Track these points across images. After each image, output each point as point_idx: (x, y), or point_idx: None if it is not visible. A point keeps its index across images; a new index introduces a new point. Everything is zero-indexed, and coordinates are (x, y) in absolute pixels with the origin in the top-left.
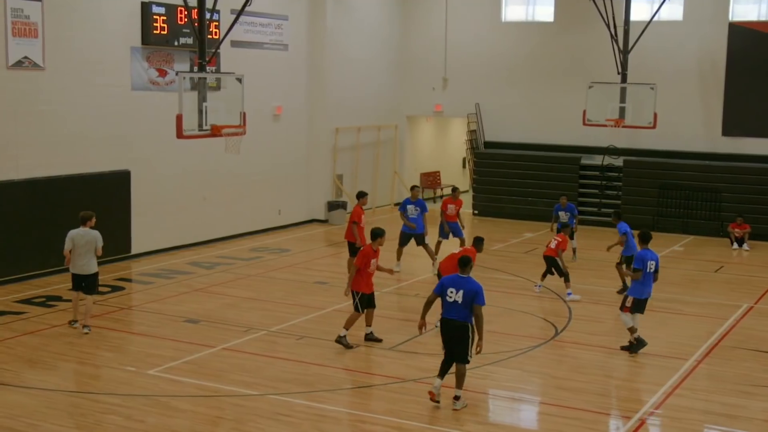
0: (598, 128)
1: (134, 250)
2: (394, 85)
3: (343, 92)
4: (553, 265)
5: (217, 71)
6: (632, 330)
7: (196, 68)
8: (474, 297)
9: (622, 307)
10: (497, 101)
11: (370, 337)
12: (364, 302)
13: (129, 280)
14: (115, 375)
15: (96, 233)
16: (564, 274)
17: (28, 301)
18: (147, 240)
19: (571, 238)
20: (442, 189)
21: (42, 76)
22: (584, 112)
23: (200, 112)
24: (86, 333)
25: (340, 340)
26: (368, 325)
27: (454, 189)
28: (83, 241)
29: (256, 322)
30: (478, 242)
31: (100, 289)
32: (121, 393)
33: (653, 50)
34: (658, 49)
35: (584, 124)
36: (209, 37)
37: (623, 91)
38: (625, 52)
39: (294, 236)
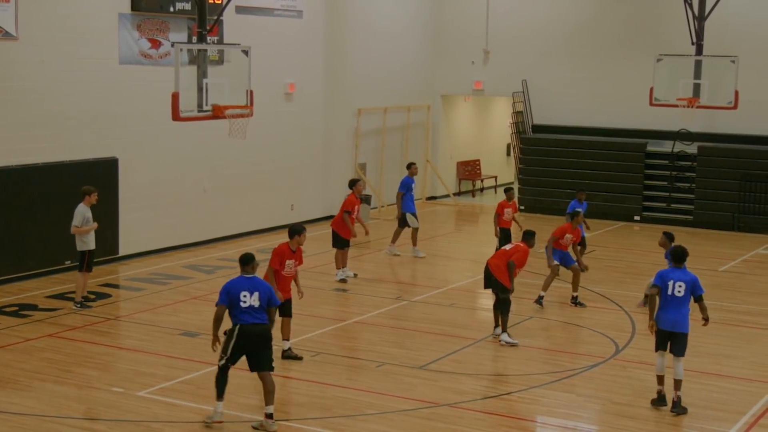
0: (667, 109)
1: (123, 251)
2: (427, 58)
3: (367, 67)
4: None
5: (220, 42)
6: (658, 380)
7: (194, 38)
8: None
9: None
10: (548, 77)
11: (287, 355)
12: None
13: (116, 286)
14: (100, 397)
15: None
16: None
17: None
18: (137, 239)
19: (582, 246)
20: (482, 181)
21: (15, 47)
22: (651, 90)
23: (200, 90)
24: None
25: (287, 354)
26: (285, 338)
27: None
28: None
29: None
30: (529, 237)
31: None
32: (106, 418)
33: (734, 16)
34: (740, 15)
35: (651, 104)
36: (210, 1)
37: (698, 65)
38: (700, 18)
39: (309, 235)
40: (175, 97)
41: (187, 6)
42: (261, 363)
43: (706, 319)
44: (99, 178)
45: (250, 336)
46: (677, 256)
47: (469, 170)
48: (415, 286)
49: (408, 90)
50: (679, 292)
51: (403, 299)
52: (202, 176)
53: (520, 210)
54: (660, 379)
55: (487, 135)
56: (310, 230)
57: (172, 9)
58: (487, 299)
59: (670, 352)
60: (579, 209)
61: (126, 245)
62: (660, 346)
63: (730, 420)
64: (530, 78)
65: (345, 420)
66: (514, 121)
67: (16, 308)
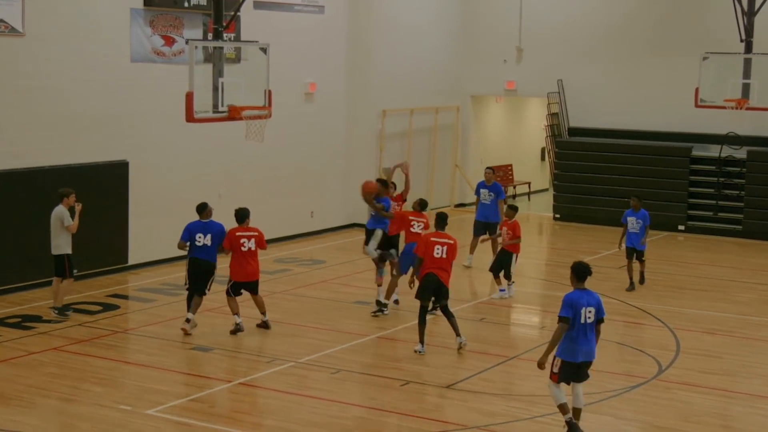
0: (714, 111)
1: (132, 260)
2: (456, 56)
3: (392, 65)
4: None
5: (237, 39)
6: (563, 409)
7: (210, 35)
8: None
9: (550, 373)
10: (585, 77)
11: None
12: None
13: (125, 297)
14: (107, 415)
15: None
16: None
17: (0, 322)
18: (148, 247)
19: (641, 259)
20: (515, 188)
21: (21, 43)
22: (696, 90)
23: (215, 89)
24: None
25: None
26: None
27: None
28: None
29: (282, 351)
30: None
31: (89, 307)
32: None
33: None
34: None
35: (696, 105)
36: None
37: (747, 63)
38: (750, 13)
39: (330, 244)
40: (189, 97)
41: (203, 1)
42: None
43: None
44: (108, 181)
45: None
46: (581, 274)
47: (500, 176)
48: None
49: (436, 90)
50: (589, 318)
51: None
52: (217, 181)
53: (555, 219)
54: (565, 408)
55: (519, 138)
56: (331, 239)
57: (186, 4)
58: (520, 314)
59: (573, 380)
60: (633, 217)
61: (136, 253)
62: (571, 378)
63: None
64: (566, 77)
65: None
66: (548, 124)
67: (19, 319)
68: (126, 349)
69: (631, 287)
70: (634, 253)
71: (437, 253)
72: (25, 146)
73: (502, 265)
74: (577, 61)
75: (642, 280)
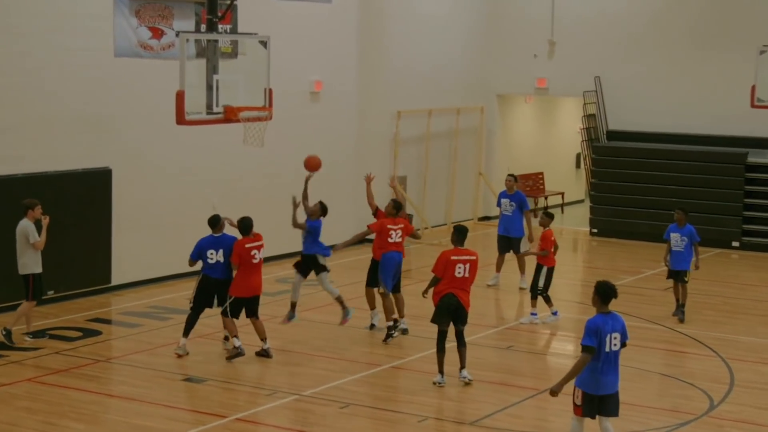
0: None
1: (115, 280)
2: (480, 51)
3: (409, 61)
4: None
5: (234, 31)
6: None
7: (203, 27)
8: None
9: (573, 406)
10: (626, 74)
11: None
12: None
13: (107, 322)
14: None
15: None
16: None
17: None
18: (133, 266)
19: (682, 281)
20: (546, 198)
21: None
22: (752, 88)
23: (209, 88)
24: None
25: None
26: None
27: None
28: None
29: (284, 382)
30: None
31: (67, 333)
32: None
33: None
34: None
35: (752, 106)
36: None
37: None
38: None
39: (338, 262)
40: (179, 96)
41: None
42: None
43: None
44: (89, 192)
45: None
46: (606, 296)
47: (530, 185)
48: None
49: (457, 89)
50: (615, 345)
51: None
52: (211, 191)
53: (592, 234)
54: None
55: (552, 143)
56: (340, 256)
57: None
58: (552, 341)
59: (601, 414)
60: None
61: (120, 273)
62: (595, 412)
63: None
64: (604, 75)
65: None
66: (584, 127)
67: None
68: (109, 381)
69: (678, 311)
70: (677, 274)
71: (459, 272)
72: None
73: (534, 282)
74: (617, 55)
75: (681, 313)
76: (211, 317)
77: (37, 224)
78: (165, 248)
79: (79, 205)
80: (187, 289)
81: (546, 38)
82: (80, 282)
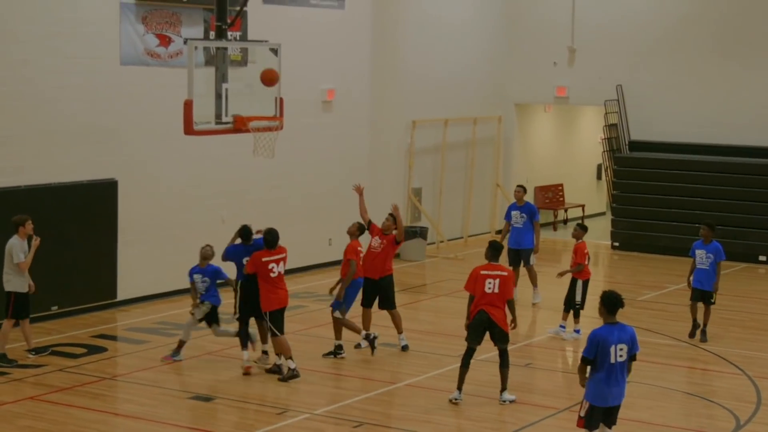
0: None
1: (121, 295)
2: (498, 58)
3: (424, 69)
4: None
5: (243, 39)
6: None
7: (212, 34)
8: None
9: (577, 418)
10: (649, 82)
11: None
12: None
13: (113, 338)
14: None
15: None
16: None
17: None
18: (140, 280)
19: (708, 302)
20: (566, 211)
21: None
22: None
23: (218, 97)
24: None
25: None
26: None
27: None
28: None
29: (295, 400)
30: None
31: (71, 350)
32: None
33: None
34: None
35: None
36: None
37: None
38: None
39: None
40: (188, 105)
41: None
42: None
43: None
44: (94, 204)
45: None
46: (612, 306)
47: (549, 197)
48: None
49: (474, 98)
50: (621, 356)
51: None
52: (220, 203)
53: (614, 247)
54: None
55: (572, 153)
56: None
57: None
58: (572, 359)
59: (604, 424)
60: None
61: (125, 288)
62: (595, 425)
63: None
64: (627, 83)
65: None
66: (606, 137)
67: None
68: (114, 399)
69: (694, 332)
70: (702, 294)
71: (488, 288)
72: None
73: (570, 296)
74: (639, 63)
75: (703, 335)
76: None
77: (29, 240)
78: (172, 262)
79: (84, 217)
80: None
81: (566, 45)
82: (85, 297)
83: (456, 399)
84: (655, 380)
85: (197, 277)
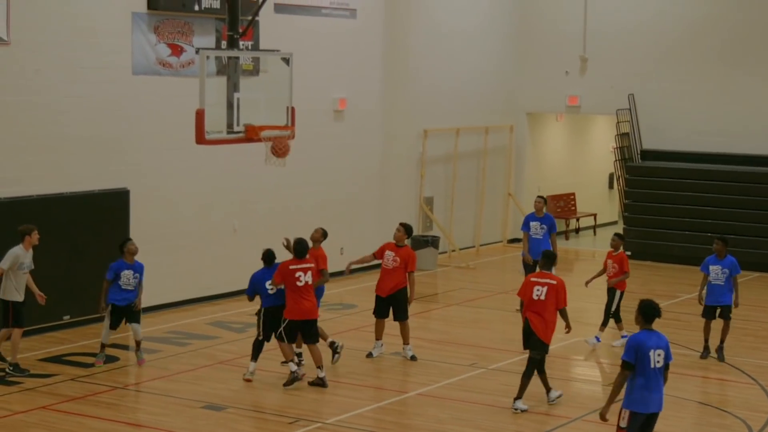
0: None
1: None
2: (509, 67)
3: (436, 78)
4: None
5: (255, 48)
6: None
7: (224, 44)
8: None
9: (616, 429)
10: (661, 91)
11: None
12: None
13: (125, 348)
14: None
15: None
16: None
17: None
18: (152, 290)
19: (726, 317)
20: (578, 220)
21: (5, 53)
22: None
23: (230, 106)
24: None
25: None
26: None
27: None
28: None
29: (307, 409)
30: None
31: (83, 359)
32: None
33: None
34: None
35: None
36: None
37: None
38: None
39: (362, 286)
40: (199, 115)
41: (216, 4)
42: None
43: None
44: (106, 213)
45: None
46: (649, 315)
47: (561, 206)
48: (492, 350)
49: (486, 107)
50: (658, 362)
51: (477, 366)
52: (232, 213)
53: (627, 256)
54: None
55: (584, 163)
56: (364, 280)
57: (196, 7)
58: (584, 368)
59: None
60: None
61: None
62: None
63: None
64: (639, 92)
65: None
66: (618, 146)
67: (2, 374)
68: (126, 408)
69: (706, 353)
70: (717, 310)
71: (536, 295)
72: (8, 172)
73: (609, 305)
74: (652, 72)
75: (720, 353)
76: (230, 343)
77: (35, 251)
78: (184, 271)
79: (96, 227)
80: (204, 314)
81: (578, 54)
82: (97, 306)
83: (517, 409)
84: (668, 390)
85: (127, 273)
